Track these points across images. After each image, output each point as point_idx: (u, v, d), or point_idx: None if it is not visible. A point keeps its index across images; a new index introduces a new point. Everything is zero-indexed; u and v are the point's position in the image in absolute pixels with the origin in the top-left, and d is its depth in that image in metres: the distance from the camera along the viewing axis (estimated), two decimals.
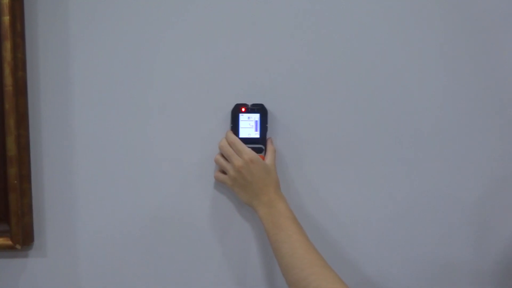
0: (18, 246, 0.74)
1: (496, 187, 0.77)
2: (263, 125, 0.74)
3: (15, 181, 0.73)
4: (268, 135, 0.75)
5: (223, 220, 0.79)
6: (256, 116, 0.74)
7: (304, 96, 0.76)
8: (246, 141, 0.72)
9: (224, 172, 0.74)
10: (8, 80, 0.71)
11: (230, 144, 0.72)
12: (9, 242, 0.74)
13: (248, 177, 0.69)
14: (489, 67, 0.75)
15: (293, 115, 0.76)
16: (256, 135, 0.74)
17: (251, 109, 0.74)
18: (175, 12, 0.74)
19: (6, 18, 0.70)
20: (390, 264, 0.79)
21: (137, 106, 0.76)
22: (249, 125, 0.74)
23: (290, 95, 0.76)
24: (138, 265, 0.79)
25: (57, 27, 0.75)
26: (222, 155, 0.73)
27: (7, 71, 0.71)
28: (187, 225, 0.78)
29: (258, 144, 0.73)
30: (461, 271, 0.79)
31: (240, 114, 0.74)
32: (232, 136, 0.72)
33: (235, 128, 0.74)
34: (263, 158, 0.73)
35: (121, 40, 0.75)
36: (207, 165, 0.77)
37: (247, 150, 0.70)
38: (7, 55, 0.71)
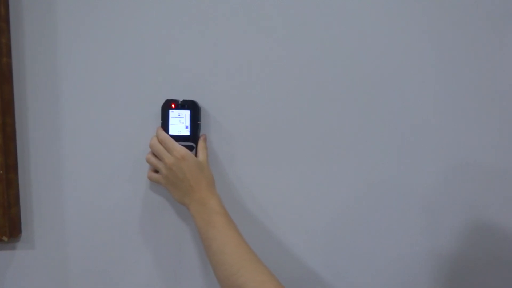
0: (5, 238, 0.73)
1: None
2: (194, 122, 0.72)
3: (1, 172, 0.71)
4: (203, 132, 0.74)
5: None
6: (186, 113, 0.72)
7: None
8: (176, 138, 0.70)
9: (157, 171, 0.72)
10: None
11: (161, 142, 0.70)
12: None
13: (179, 174, 0.68)
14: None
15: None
16: (187, 132, 0.72)
17: (181, 106, 0.72)
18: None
19: None
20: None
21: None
22: (179, 122, 0.72)
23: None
24: (125, 257, 0.78)
25: (43, 11, 0.72)
26: (154, 154, 0.71)
27: None
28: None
29: (189, 142, 0.71)
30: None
31: (170, 111, 0.72)
32: (162, 133, 0.71)
33: (165, 125, 0.72)
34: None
35: (108, 28, 0.73)
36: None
37: (177, 147, 0.68)
38: None
